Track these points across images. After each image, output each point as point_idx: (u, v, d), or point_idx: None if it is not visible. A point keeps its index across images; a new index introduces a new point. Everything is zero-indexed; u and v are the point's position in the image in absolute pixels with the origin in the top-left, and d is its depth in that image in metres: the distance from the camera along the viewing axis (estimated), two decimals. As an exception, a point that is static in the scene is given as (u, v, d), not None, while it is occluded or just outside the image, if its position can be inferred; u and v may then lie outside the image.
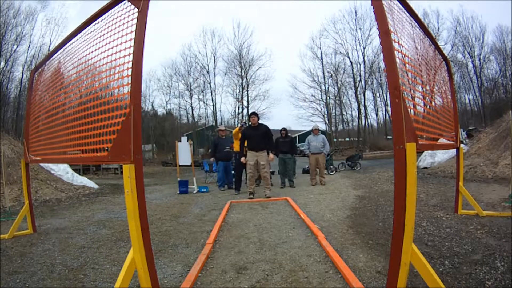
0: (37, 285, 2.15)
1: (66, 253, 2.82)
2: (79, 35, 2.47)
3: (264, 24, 50.91)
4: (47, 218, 4.61)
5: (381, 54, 2.06)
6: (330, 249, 2.54)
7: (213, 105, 30.67)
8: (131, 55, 1.74)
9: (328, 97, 29.90)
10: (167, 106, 31.86)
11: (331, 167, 10.53)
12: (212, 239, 2.99)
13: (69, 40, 2.62)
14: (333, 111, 30.16)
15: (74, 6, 44.62)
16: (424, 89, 2.64)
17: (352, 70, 29.24)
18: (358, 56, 29.37)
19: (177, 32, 55.32)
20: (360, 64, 29.07)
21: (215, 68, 30.52)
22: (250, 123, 5.95)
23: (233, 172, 7.35)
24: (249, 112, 6.40)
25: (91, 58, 2.21)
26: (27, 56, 23.48)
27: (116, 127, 1.75)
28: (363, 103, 29.47)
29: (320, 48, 29.70)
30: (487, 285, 1.86)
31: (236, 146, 6.82)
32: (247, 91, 30.39)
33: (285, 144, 7.48)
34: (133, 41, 1.75)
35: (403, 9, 2.19)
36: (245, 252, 2.68)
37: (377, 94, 29.94)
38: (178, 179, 7.45)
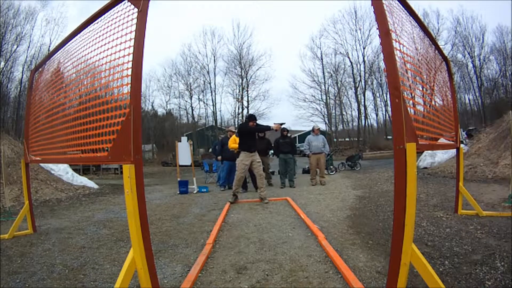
0: (37, 285, 2.14)
1: (66, 253, 2.82)
2: (79, 35, 2.47)
3: (264, 24, 50.79)
4: (47, 218, 4.61)
5: (381, 54, 2.06)
6: (330, 249, 2.54)
7: (213, 105, 30.67)
8: (131, 55, 1.74)
9: (328, 97, 29.91)
10: (167, 106, 31.85)
11: (331, 167, 10.53)
12: (212, 239, 2.99)
13: (69, 40, 2.62)
14: (333, 111, 30.17)
15: (74, 6, 44.60)
16: (424, 89, 2.64)
17: (352, 70, 29.24)
18: (358, 56, 29.35)
19: (177, 32, 55.27)
20: (360, 64, 29.05)
21: (215, 68, 30.52)
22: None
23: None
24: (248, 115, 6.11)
25: (91, 58, 2.21)
26: (27, 56, 23.49)
27: (116, 127, 1.75)
28: (363, 103, 29.46)
29: (320, 48, 29.73)
30: (487, 285, 1.86)
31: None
32: (247, 91, 30.39)
33: (285, 144, 7.49)
34: (133, 41, 1.75)
35: (403, 9, 2.19)
36: (245, 252, 2.68)
37: (377, 94, 29.92)
38: (178, 179, 7.45)
